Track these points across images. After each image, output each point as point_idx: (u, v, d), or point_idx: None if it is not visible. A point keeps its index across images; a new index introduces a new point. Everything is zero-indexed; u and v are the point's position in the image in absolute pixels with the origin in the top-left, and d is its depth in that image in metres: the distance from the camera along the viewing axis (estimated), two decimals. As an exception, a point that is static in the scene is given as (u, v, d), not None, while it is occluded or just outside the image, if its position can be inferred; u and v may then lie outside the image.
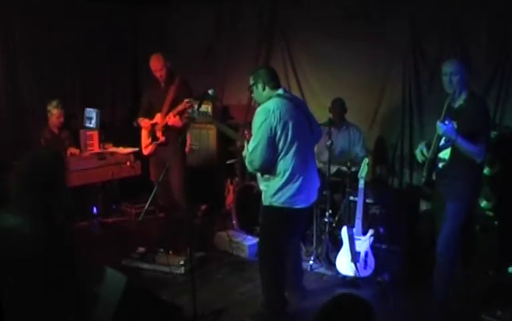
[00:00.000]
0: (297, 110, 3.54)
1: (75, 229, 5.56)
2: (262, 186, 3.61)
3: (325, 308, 1.74)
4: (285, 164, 3.44)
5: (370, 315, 1.71)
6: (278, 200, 3.50)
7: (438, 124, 3.36)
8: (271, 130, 3.37)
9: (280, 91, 3.56)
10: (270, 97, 3.52)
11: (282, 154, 3.43)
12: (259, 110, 3.48)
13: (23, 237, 2.15)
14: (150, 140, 5.06)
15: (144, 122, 5.04)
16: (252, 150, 3.40)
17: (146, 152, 5.14)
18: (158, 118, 4.95)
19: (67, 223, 2.45)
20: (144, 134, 5.13)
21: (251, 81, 3.62)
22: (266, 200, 3.57)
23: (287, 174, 3.45)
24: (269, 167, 3.47)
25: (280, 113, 3.39)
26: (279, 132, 3.38)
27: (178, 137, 4.78)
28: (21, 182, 2.25)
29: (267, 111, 3.40)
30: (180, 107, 4.71)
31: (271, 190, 3.51)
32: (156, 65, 4.87)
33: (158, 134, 4.95)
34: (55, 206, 2.29)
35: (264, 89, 3.56)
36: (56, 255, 2.18)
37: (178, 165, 4.75)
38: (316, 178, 3.74)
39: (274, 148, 3.41)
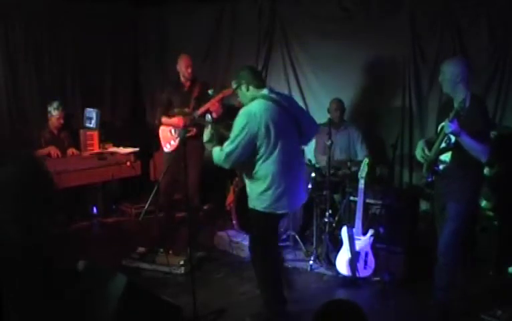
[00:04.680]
0: (282, 112, 3.46)
1: (74, 229, 5.58)
2: (247, 189, 3.61)
3: (324, 310, 1.74)
4: (266, 169, 3.41)
5: None
6: (260, 205, 3.48)
7: (447, 122, 3.35)
8: (250, 135, 3.33)
9: (265, 91, 3.50)
10: (254, 98, 3.47)
11: (263, 158, 3.39)
12: (241, 112, 3.44)
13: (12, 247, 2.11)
14: (175, 135, 4.99)
15: (175, 119, 4.95)
16: (229, 152, 3.36)
17: (171, 148, 5.02)
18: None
19: (60, 231, 2.38)
20: (166, 130, 5.07)
21: (234, 85, 3.58)
22: (250, 203, 3.57)
23: (268, 179, 3.41)
24: (243, 168, 3.49)
25: (262, 117, 3.34)
26: (260, 137, 3.34)
27: (199, 134, 4.78)
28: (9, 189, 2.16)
29: (249, 114, 3.36)
30: (221, 95, 4.70)
31: (253, 195, 3.51)
32: (188, 61, 5.00)
33: (190, 127, 4.81)
34: (41, 215, 2.21)
35: (248, 89, 3.52)
36: (51, 264, 2.17)
37: (198, 162, 4.82)
38: (302, 181, 3.72)
39: (252, 152, 3.39)
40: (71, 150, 5.73)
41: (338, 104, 5.20)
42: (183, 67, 5.01)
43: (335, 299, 1.86)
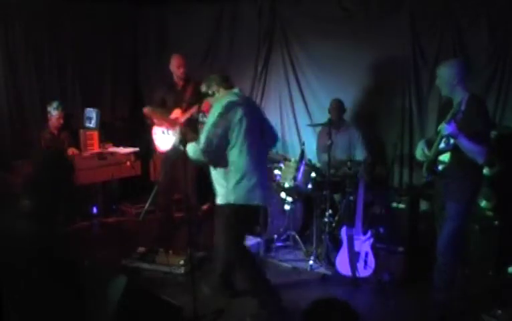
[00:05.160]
0: (252, 109, 3.65)
1: (74, 229, 5.58)
2: (217, 187, 3.62)
3: (313, 308, 1.75)
4: (239, 160, 3.49)
5: None
6: (235, 198, 3.53)
7: (444, 125, 3.36)
8: (225, 123, 3.43)
9: (235, 90, 3.66)
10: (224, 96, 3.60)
11: (236, 149, 3.48)
12: (215, 104, 3.57)
13: (23, 238, 2.15)
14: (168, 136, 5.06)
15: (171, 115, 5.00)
16: (207, 142, 3.42)
17: (165, 148, 5.10)
18: (177, 113, 5.00)
19: (65, 225, 2.46)
20: (159, 131, 5.15)
21: (204, 89, 3.70)
22: (223, 198, 3.57)
23: (242, 170, 3.50)
24: (220, 160, 3.52)
25: (235, 107, 3.47)
26: (233, 125, 3.44)
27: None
28: (27, 184, 2.25)
29: (223, 106, 3.48)
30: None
31: (227, 189, 3.54)
32: (179, 61, 5.11)
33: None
34: (57, 209, 2.29)
35: (218, 91, 3.66)
36: (56, 257, 2.18)
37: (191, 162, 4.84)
38: (267, 180, 3.86)
39: (227, 142, 3.47)
40: (71, 150, 5.73)
41: (337, 104, 5.20)
42: (175, 67, 5.12)
43: (324, 297, 1.86)
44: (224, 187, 3.55)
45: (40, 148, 5.52)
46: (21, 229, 2.17)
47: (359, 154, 5.08)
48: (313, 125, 5.49)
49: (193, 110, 4.93)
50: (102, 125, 6.16)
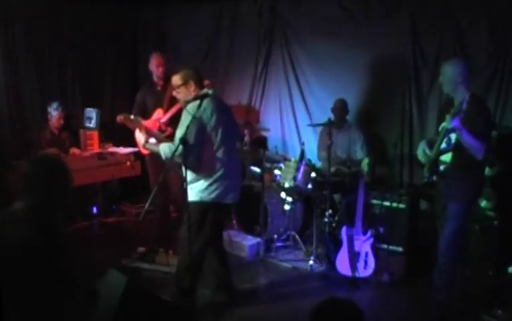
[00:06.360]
0: (225, 111, 3.67)
1: (74, 229, 5.58)
2: (192, 183, 3.56)
3: (319, 309, 1.76)
4: (218, 160, 3.53)
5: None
6: (209, 196, 3.55)
7: (449, 118, 3.37)
8: (202, 124, 3.45)
9: (209, 91, 3.63)
10: (198, 97, 3.52)
11: (214, 149, 3.52)
12: (190, 106, 3.50)
13: (19, 235, 2.15)
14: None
15: (150, 121, 4.91)
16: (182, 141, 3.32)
17: (148, 151, 5.02)
18: (159, 113, 4.91)
19: (63, 226, 2.46)
20: (140, 134, 4.94)
21: (180, 81, 3.63)
22: (196, 195, 3.56)
23: (220, 170, 3.54)
24: (193, 160, 3.45)
25: (212, 112, 3.49)
26: (209, 130, 3.48)
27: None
28: (23, 183, 2.27)
29: (200, 108, 3.44)
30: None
31: (202, 186, 3.55)
32: (158, 60, 5.02)
33: (164, 127, 4.82)
34: (54, 209, 2.30)
35: (194, 88, 3.63)
36: (50, 256, 2.19)
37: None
38: (239, 178, 3.90)
39: (202, 143, 3.47)
40: (72, 150, 5.72)
41: (341, 104, 5.21)
42: (154, 67, 5.04)
43: (331, 297, 1.86)
44: (199, 184, 3.56)
45: (40, 149, 5.51)
46: (16, 230, 2.17)
47: (359, 154, 5.08)
48: (314, 125, 5.48)
49: (176, 107, 4.73)
50: (102, 125, 6.15)
